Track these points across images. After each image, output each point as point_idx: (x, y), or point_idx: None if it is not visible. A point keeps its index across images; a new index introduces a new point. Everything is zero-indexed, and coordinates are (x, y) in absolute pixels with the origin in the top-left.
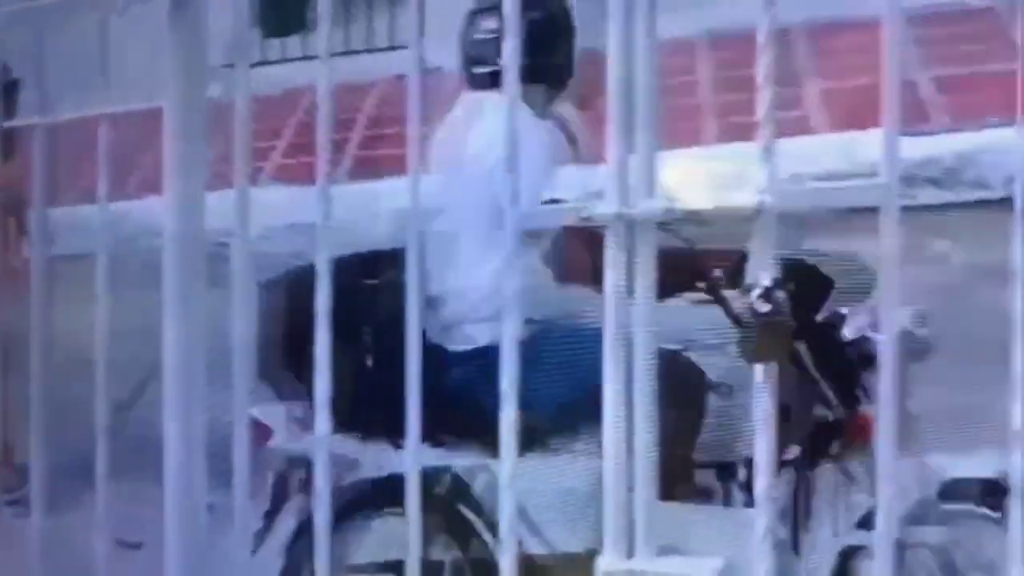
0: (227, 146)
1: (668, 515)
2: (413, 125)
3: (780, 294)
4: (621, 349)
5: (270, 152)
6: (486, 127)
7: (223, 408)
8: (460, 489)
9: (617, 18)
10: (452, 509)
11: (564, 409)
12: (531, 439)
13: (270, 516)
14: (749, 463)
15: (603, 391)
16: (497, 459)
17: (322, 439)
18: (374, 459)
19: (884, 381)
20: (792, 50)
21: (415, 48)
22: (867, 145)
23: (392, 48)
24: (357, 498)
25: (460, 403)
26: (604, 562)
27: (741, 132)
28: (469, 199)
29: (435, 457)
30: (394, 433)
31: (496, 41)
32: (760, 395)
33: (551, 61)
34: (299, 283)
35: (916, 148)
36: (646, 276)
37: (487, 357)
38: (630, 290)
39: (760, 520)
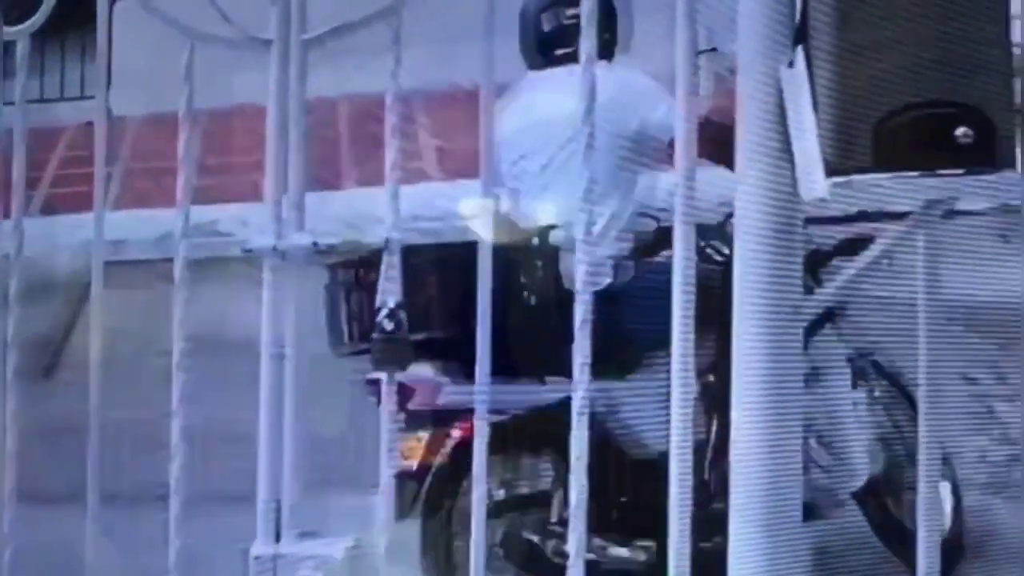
0: None
1: (309, 504)
2: (99, 166)
3: (402, 315)
4: (275, 363)
5: None
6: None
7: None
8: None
9: (274, 74)
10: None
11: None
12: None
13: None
14: None
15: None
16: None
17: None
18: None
19: None
20: (412, 112)
21: (101, 98)
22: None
23: (82, 98)
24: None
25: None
26: (254, 548)
27: (374, 178)
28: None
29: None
30: (541, 370)
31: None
32: None
33: (611, 37)
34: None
35: None
36: (297, 297)
37: (607, 300)
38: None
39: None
